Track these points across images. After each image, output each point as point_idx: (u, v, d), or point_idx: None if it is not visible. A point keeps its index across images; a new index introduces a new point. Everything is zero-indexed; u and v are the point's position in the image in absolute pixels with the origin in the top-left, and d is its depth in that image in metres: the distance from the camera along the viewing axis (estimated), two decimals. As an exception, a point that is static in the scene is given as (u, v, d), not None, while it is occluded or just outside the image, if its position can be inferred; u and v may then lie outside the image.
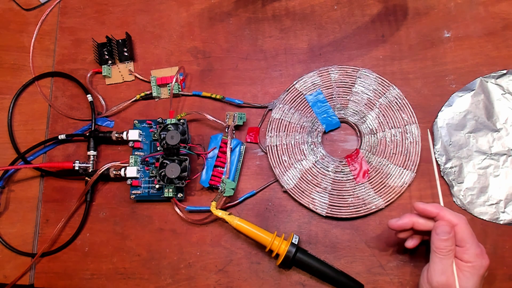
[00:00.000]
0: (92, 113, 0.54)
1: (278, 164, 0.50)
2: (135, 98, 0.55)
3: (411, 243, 0.43)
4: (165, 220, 0.51)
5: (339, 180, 0.49)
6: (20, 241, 0.53)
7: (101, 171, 0.50)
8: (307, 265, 0.45)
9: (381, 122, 0.50)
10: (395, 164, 0.48)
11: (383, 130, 0.50)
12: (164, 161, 0.48)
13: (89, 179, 0.51)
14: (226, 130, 0.51)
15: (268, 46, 0.55)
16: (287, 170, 0.50)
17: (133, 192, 0.51)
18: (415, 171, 0.48)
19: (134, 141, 0.52)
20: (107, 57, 0.56)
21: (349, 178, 0.49)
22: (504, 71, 0.50)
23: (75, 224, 0.52)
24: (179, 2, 0.58)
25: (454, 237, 0.39)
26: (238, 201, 0.50)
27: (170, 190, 0.49)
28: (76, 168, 0.52)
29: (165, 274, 0.50)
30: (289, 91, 0.52)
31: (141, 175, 0.51)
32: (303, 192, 0.49)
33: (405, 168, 0.48)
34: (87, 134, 0.53)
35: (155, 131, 0.52)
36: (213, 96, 0.53)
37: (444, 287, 0.38)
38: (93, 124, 0.54)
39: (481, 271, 0.38)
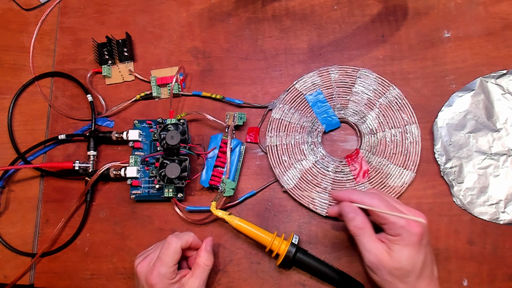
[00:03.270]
0: (92, 113, 0.54)
1: (278, 164, 0.50)
2: (135, 98, 0.55)
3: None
4: (165, 220, 0.51)
5: (339, 180, 0.49)
6: (20, 241, 0.53)
7: (101, 171, 0.50)
8: (307, 265, 0.45)
9: (381, 122, 0.50)
10: (395, 164, 0.48)
11: (383, 130, 0.50)
12: (164, 161, 0.48)
13: (89, 179, 0.51)
14: (226, 130, 0.51)
15: (268, 46, 0.55)
16: (287, 170, 0.50)
17: (133, 192, 0.51)
18: (415, 171, 0.48)
19: (134, 141, 0.52)
20: (107, 57, 0.56)
21: (349, 178, 0.49)
22: (504, 71, 0.50)
23: (75, 224, 0.52)
24: (179, 2, 0.58)
25: (363, 214, 0.39)
26: (238, 201, 0.50)
27: (170, 190, 0.50)
28: (76, 168, 0.52)
29: (165, 274, 0.50)
30: (289, 91, 0.52)
31: (141, 175, 0.51)
32: (303, 192, 0.49)
33: (405, 168, 0.48)
34: (87, 134, 0.53)
35: (155, 131, 0.52)
36: (213, 96, 0.53)
37: (379, 265, 0.38)
38: (93, 124, 0.54)
39: (414, 239, 0.37)
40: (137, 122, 0.53)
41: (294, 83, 0.52)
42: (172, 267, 0.42)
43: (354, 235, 0.39)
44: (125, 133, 0.52)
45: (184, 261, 0.47)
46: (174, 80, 0.53)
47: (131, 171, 0.50)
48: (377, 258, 0.37)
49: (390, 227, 0.37)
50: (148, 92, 0.54)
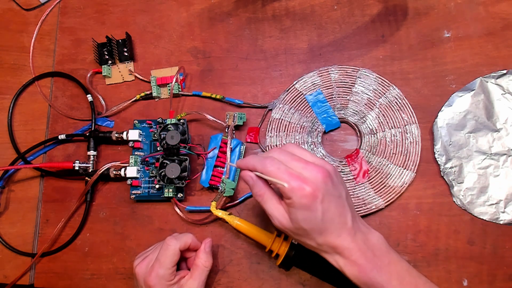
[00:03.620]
0: (92, 113, 0.54)
1: (278, 164, 0.50)
2: (135, 98, 0.55)
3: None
4: (165, 220, 0.51)
5: (339, 180, 0.49)
6: (20, 241, 0.53)
7: (101, 171, 0.50)
8: (307, 265, 0.45)
9: (381, 122, 0.50)
10: (395, 164, 0.48)
11: (383, 130, 0.50)
12: (164, 161, 0.48)
13: (89, 179, 0.51)
14: (226, 130, 0.51)
15: (268, 46, 0.55)
16: (287, 170, 0.50)
17: (133, 192, 0.51)
18: (415, 171, 0.48)
19: (134, 141, 0.52)
20: (107, 57, 0.56)
21: (349, 178, 0.49)
22: (504, 71, 0.50)
23: (75, 224, 0.52)
24: (179, 2, 0.58)
25: (262, 181, 0.38)
26: (238, 201, 0.50)
27: (170, 190, 0.50)
28: (76, 168, 0.52)
29: (165, 274, 0.50)
30: (289, 91, 0.52)
31: (141, 175, 0.51)
32: (303, 192, 0.49)
33: (405, 168, 0.48)
34: (87, 134, 0.53)
35: (155, 131, 0.52)
36: (213, 96, 0.53)
37: (282, 227, 0.38)
38: (93, 124, 0.54)
39: (304, 201, 0.35)
40: (137, 122, 0.53)
41: (294, 83, 0.52)
42: (170, 268, 0.42)
43: (257, 201, 0.39)
44: (125, 133, 0.52)
45: (183, 262, 0.47)
46: (174, 80, 0.53)
47: (131, 171, 0.50)
48: (279, 222, 0.37)
49: (281, 191, 0.36)
50: (148, 92, 0.54)
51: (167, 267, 0.42)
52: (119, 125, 0.55)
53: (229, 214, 0.47)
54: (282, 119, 0.51)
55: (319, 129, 0.51)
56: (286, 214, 0.37)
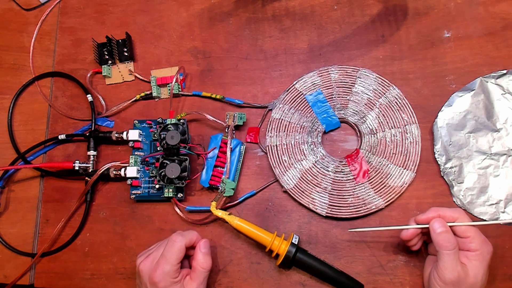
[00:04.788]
0: (92, 113, 0.54)
1: (278, 164, 0.50)
2: (135, 98, 0.55)
3: (417, 246, 0.44)
4: (165, 220, 0.51)
5: (339, 180, 0.49)
6: (20, 241, 0.53)
7: (101, 171, 0.50)
8: (307, 265, 0.45)
9: (381, 122, 0.50)
10: (395, 164, 0.48)
11: (383, 130, 0.50)
12: (164, 161, 0.48)
13: (89, 179, 0.51)
14: (226, 130, 0.51)
15: (268, 46, 0.55)
16: (287, 170, 0.50)
17: (133, 192, 0.51)
18: (415, 171, 0.48)
19: (134, 141, 0.52)
20: (107, 57, 0.56)
21: (349, 178, 0.49)
22: (504, 71, 0.50)
23: (75, 224, 0.52)
24: (179, 2, 0.58)
25: (451, 231, 0.40)
26: (238, 201, 0.50)
27: (170, 190, 0.50)
28: (76, 168, 0.52)
29: (165, 274, 0.50)
30: (289, 91, 0.52)
31: (141, 175, 0.51)
32: (303, 192, 0.49)
33: (405, 168, 0.48)
34: (87, 134, 0.53)
35: (155, 131, 0.52)
36: (213, 96, 0.53)
37: (458, 281, 0.39)
38: (93, 124, 0.54)
39: (488, 257, 0.40)
40: (137, 122, 0.53)
41: (294, 83, 0.52)
42: (175, 265, 0.42)
43: (445, 249, 0.39)
44: (125, 133, 0.52)
45: (185, 260, 0.47)
46: (174, 80, 0.53)
47: (131, 171, 0.50)
48: (460, 275, 0.39)
49: (471, 241, 0.40)
50: (148, 92, 0.54)
51: (173, 263, 0.42)
52: (119, 125, 0.55)
53: (229, 214, 0.47)
54: (282, 119, 0.51)
55: (319, 129, 0.51)
56: (464, 270, 0.39)
